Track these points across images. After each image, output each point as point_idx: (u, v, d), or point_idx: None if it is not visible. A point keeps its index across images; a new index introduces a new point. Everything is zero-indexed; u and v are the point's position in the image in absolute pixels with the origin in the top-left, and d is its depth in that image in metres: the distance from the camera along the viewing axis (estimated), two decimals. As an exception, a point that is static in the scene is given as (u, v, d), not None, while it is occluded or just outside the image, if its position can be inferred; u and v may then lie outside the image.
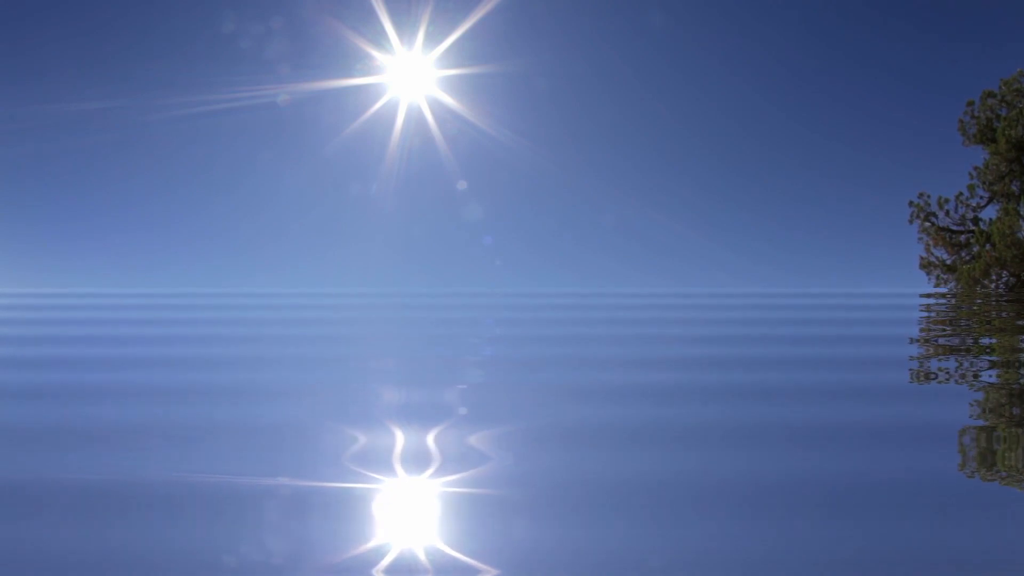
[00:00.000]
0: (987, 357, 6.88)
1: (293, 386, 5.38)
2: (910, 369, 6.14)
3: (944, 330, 9.70)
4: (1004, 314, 12.24)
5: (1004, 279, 20.76)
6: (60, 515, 2.63)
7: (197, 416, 4.28)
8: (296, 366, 6.42)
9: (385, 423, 4.15)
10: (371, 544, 2.39)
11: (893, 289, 22.43)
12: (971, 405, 4.59)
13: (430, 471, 3.18)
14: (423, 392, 5.27)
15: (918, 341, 8.39)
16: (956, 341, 8.24)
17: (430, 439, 3.72)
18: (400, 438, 3.77)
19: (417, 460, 3.35)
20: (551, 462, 3.42)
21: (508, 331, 9.77)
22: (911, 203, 21.77)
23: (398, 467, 3.23)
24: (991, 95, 21.71)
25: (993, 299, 17.00)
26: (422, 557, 2.29)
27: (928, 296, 18.38)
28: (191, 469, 3.19)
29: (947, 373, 5.73)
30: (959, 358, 6.66)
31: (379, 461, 3.34)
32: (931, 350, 7.41)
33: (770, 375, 5.81)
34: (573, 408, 4.65)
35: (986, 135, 21.73)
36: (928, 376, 5.67)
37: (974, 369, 6.02)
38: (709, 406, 4.64)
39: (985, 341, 8.36)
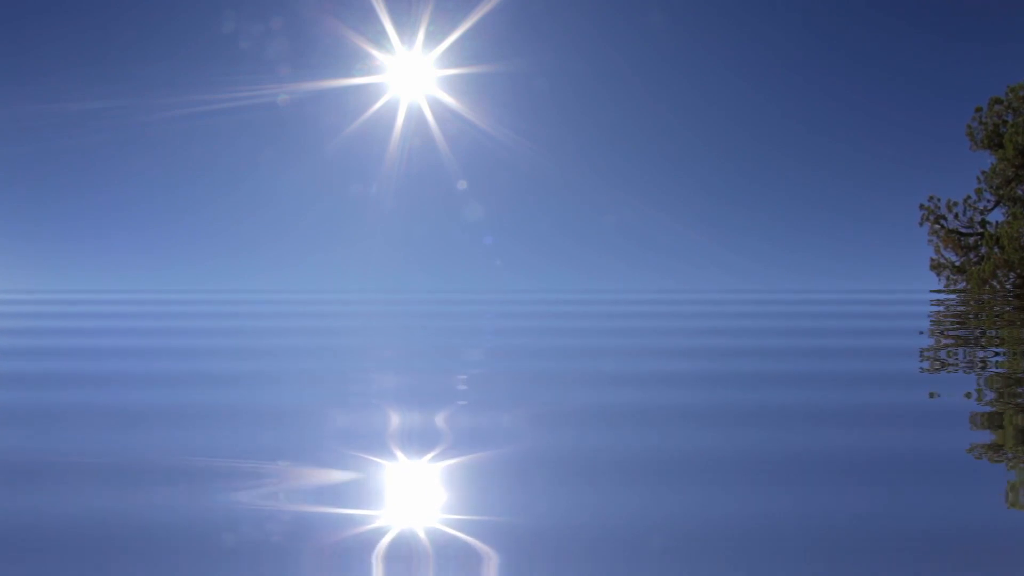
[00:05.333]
0: (994, 349, 6.84)
1: (295, 377, 5.37)
2: (921, 358, 6.11)
3: (955, 325, 9.66)
4: (1009, 308, 12.22)
5: (1011, 280, 20.87)
6: (64, 495, 2.62)
7: (199, 402, 4.28)
8: (298, 359, 6.41)
9: (387, 410, 4.13)
10: (371, 525, 2.37)
11: (899, 288, 22.43)
12: (979, 391, 4.57)
13: (432, 454, 3.16)
14: (428, 385, 5.24)
15: (927, 333, 8.35)
16: (965, 333, 8.20)
17: (435, 423, 3.70)
18: (404, 425, 3.76)
19: (420, 444, 3.33)
20: (557, 443, 3.39)
21: (509, 330, 9.75)
22: (922, 206, 21.88)
23: (399, 451, 3.21)
24: (998, 101, 21.81)
25: (999, 295, 17.05)
26: (423, 537, 2.27)
27: (938, 292, 18.43)
28: (192, 453, 3.18)
29: (957, 363, 5.71)
30: (968, 350, 6.64)
31: (381, 446, 3.32)
32: (941, 340, 7.38)
33: (781, 365, 5.79)
34: (578, 393, 4.62)
35: (993, 141, 21.81)
36: (942, 364, 5.65)
37: (983, 356, 6.00)
38: (721, 392, 4.62)
39: (993, 333, 8.32)
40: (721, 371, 5.55)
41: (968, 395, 4.42)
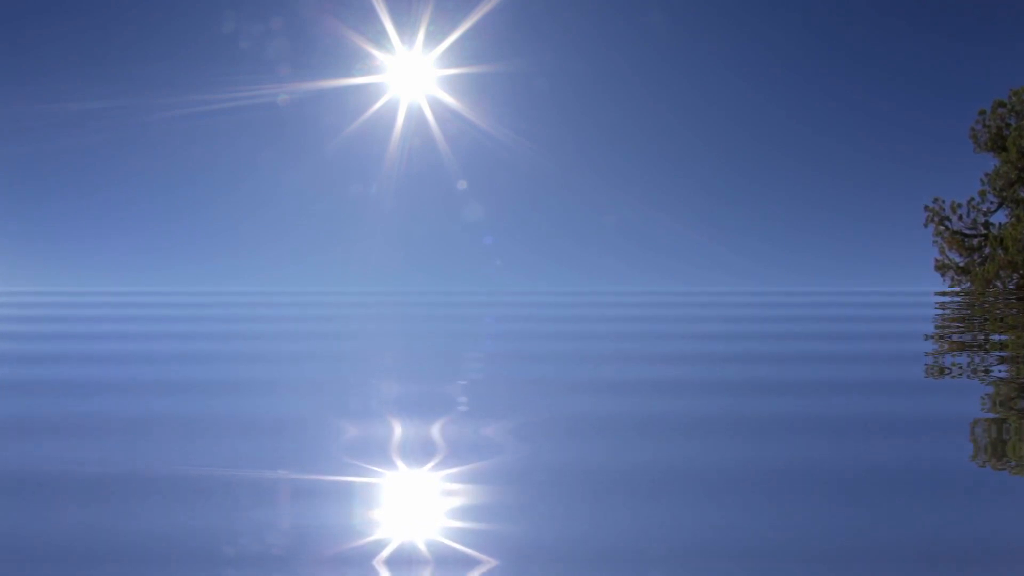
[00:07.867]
0: (998, 353, 6.82)
1: (295, 382, 5.35)
2: (925, 365, 6.09)
3: (959, 327, 9.63)
4: (1013, 311, 12.18)
5: (1014, 280, 20.97)
6: (64, 506, 2.60)
7: (199, 410, 4.26)
8: (298, 363, 6.39)
9: (387, 417, 4.12)
10: (372, 537, 2.35)
11: (899, 289, 22.42)
12: (982, 398, 4.55)
13: (433, 463, 3.14)
14: (427, 387, 5.23)
15: (933, 337, 8.32)
16: (968, 337, 8.17)
17: (434, 431, 3.68)
18: (403, 431, 3.73)
19: (421, 452, 3.31)
20: (554, 454, 3.38)
21: (508, 331, 9.73)
22: (926, 208, 21.96)
23: (399, 460, 3.19)
24: (1001, 104, 21.90)
25: (1001, 296, 17.09)
26: (422, 548, 2.25)
27: (943, 294, 18.44)
28: (192, 462, 3.16)
29: (959, 368, 5.69)
30: (971, 353, 6.62)
31: (381, 453, 3.30)
32: (945, 346, 7.35)
33: (783, 368, 5.77)
34: (575, 401, 4.60)
35: (997, 143, 21.86)
36: (943, 371, 5.63)
37: (985, 364, 5.98)
38: (721, 397, 4.59)
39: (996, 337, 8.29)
40: (721, 376, 5.53)
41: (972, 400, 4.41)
